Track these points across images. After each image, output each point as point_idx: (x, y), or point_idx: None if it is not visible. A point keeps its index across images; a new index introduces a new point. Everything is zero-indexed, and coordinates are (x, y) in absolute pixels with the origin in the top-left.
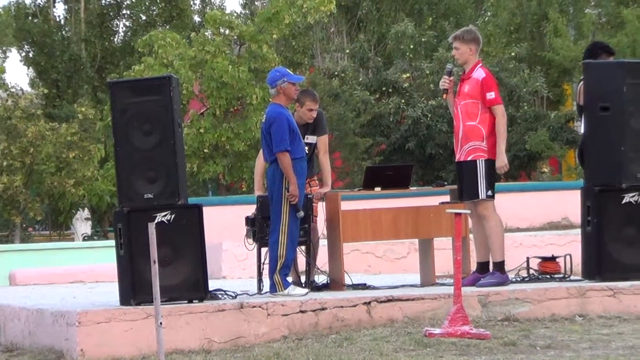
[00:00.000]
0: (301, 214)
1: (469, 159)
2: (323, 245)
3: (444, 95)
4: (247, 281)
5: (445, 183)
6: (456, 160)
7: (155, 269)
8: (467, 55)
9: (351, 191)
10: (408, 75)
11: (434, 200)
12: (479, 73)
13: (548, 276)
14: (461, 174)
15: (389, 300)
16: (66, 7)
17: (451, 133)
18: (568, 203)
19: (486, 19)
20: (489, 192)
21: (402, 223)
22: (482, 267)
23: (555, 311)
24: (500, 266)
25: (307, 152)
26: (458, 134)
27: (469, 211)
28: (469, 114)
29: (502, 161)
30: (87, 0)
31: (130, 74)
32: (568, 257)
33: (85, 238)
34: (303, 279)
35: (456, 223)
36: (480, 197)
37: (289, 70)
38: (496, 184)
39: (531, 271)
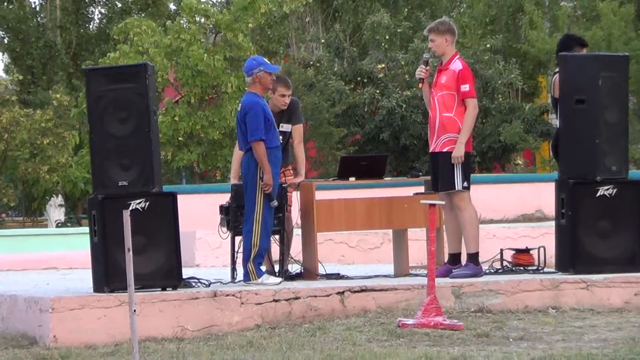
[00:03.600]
0: (275, 203)
1: (445, 150)
2: (297, 234)
3: (420, 85)
4: (220, 270)
5: (420, 174)
6: (431, 151)
7: (129, 256)
8: (444, 47)
9: (325, 181)
10: (383, 65)
11: (408, 191)
12: (457, 65)
13: (521, 268)
14: (436, 165)
15: (362, 290)
16: None
17: (425, 124)
18: (542, 195)
19: (461, 10)
20: (465, 184)
21: (376, 213)
22: (454, 258)
23: (528, 303)
24: (474, 258)
25: (281, 141)
26: (434, 124)
27: (443, 202)
28: (445, 105)
29: (459, 151)
30: None
31: (105, 61)
32: (542, 249)
33: (59, 225)
34: (277, 268)
35: (430, 214)
36: (456, 188)
37: (266, 60)
38: (470, 175)
39: (505, 263)
